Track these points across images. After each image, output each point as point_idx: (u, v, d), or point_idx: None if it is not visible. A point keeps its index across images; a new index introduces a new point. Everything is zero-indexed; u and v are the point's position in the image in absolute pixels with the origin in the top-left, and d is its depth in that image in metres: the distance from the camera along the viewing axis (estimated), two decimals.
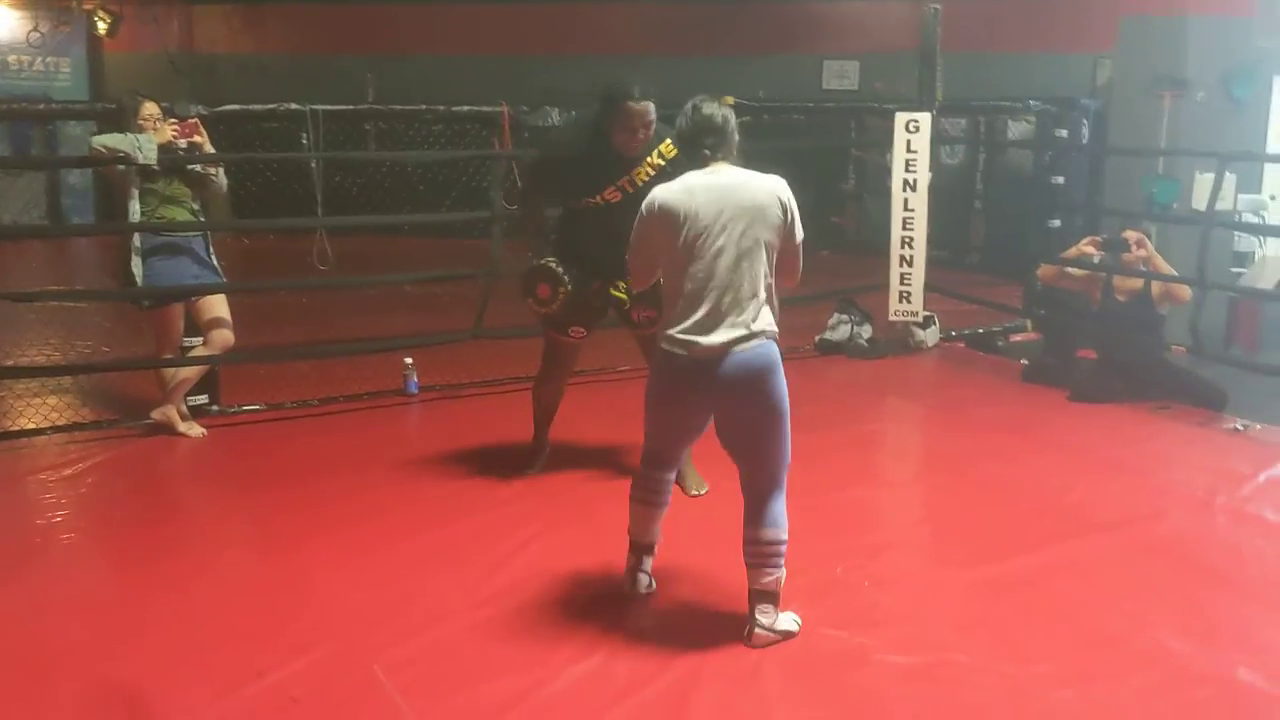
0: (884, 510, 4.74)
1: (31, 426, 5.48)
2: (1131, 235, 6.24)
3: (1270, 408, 5.87)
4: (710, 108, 3.38)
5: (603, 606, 3.58)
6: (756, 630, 3.30)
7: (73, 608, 3.64)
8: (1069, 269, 6.62)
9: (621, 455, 5.02)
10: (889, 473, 5.33)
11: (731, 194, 3.28)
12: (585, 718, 2.94)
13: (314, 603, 3.62)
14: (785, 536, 3.33)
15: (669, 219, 3.29)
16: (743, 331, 3.24)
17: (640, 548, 3.65)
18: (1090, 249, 6.49)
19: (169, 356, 5.47)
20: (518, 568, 3.88)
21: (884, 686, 3.11)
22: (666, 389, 3.39)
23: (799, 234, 3.34)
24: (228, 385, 5.98)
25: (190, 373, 5.46)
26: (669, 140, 4.25)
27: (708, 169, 3.34)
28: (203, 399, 5.75)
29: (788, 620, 3.37)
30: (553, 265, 4.42)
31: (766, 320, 3.29)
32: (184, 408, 5.51)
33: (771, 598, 3.31)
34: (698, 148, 3.36)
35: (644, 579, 3.64)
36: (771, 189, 3.31)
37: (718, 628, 3.40)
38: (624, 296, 4.51)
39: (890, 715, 2.99)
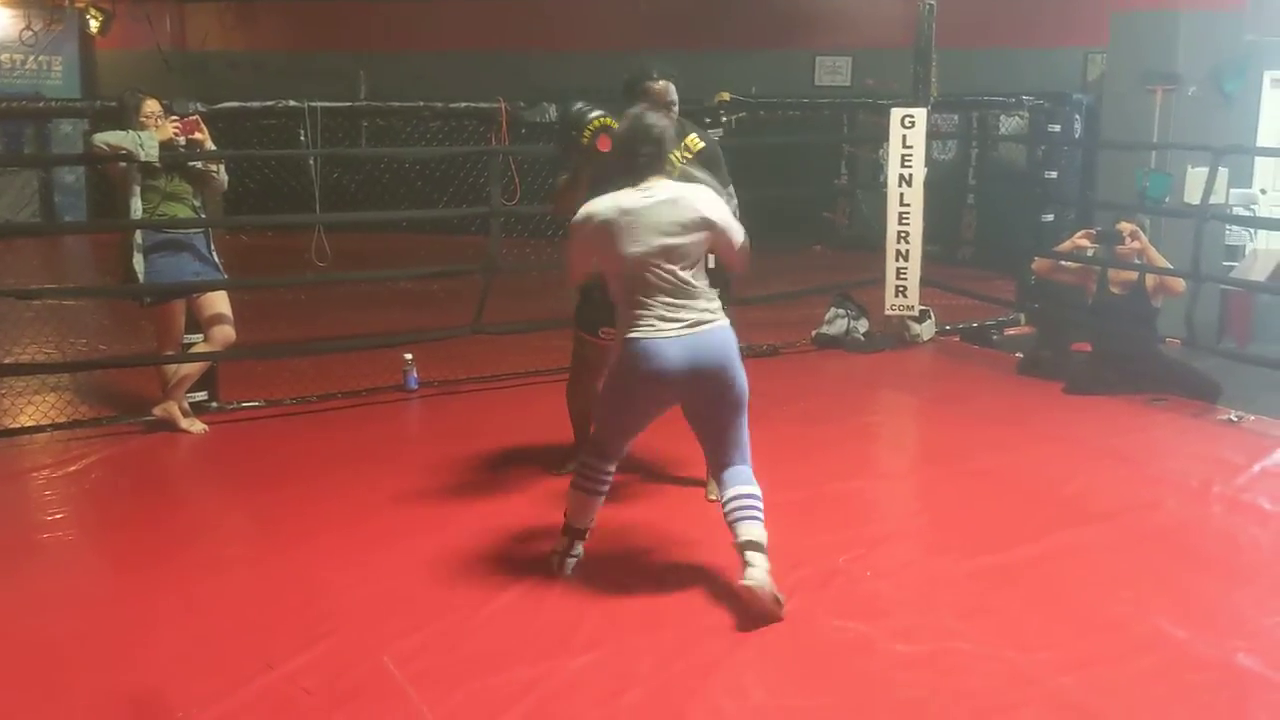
0: (883, 501, 4.78)
1: (31, 424, 5.49)
2: (1126, 227, 6.27)
3: (1262, 399, 5.93)
4: (651, 118, 3.56)
5: (609, 596, 3.61)
6: (753, 576, 3.37)
7: (79, 604, 3.65)
8: (1064, 262, 6.67)
9: None
10: (888, 464, 5.37)
11: (658, 212, 3.45)
12: (594, 706, 2.97)
13: (320, 595, 3.65)
14: (760, 492, 3.52)
15: (603, 234, 3.48)
16: (696, 317, 3.47)
17: (575, 531, 3.78)
18: (1085, 242, 6.53)
19: (170, 353, 5.49)
20: (520, 559, 3.92)
21: (889, 674, 3.15)
22: (630, 383, 3.54)
23: (736, 238, 3.60)
24: (227, 382, 6.00)
25: (191, 369, 5.48)
26: (694, 135, 4.35)
27: (640, 187, 3.48)
28: (202, 395, 5.76)
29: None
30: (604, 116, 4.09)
31: (714, 307, 3.53)
32: (185, 404, 5.52)
33: (760, 546, 3.43)
34: (634, 156, 3.50)
35: (572, 562, 3.77)
36: (695, 206, 3.49)
37: (725, 618, 3.43)
38: None
39: (896, 702, 3.02)
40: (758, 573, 3.37)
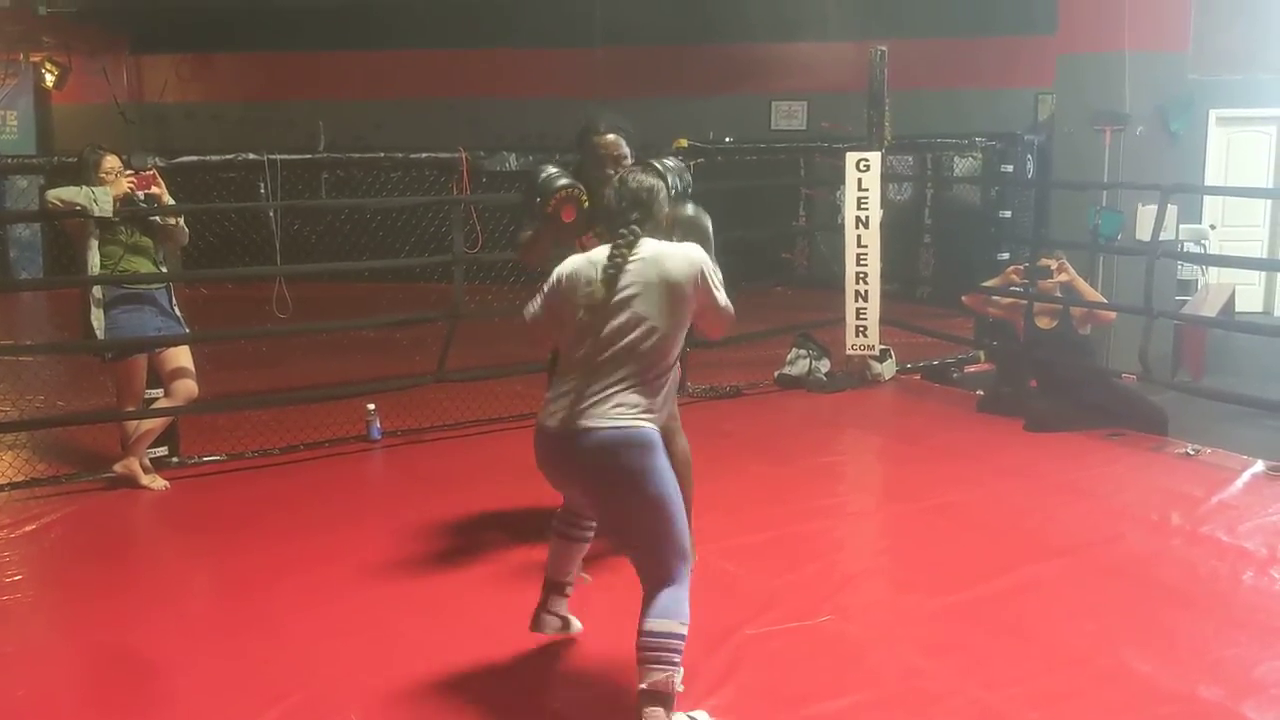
0: (848, 540, 4.80)
1: None
2: (1051, 262, 6.47)
3: (1216, 431, 6.03)
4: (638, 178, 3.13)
5: (574, 643, 3.59)
6: None
7: (39, 666, 3.59)
8: (994, 297, 6.86)
9: None
10: (852, 503, 5.39)
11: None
12: None
13: (285, 651, 3.61)
14: (683, 631, 2.92)
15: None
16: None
17: (550, 585, 3.42)
18: (1015, 277, 6.70)
19: (131, 409, 5.43)
20: (490, 607, 3.89)
21: (858, 714, 3.16)
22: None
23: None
24: (188, 436, 5.94)
25: (153, 425, 5.42)
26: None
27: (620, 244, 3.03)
28: (162, 451, 5.70)
29: None
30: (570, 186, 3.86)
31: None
32: (146, 460, 5.47)
33: (662, 700, 2.86)
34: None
35: (551, 621, 3.40)
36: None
37: (698, 669, 3.42)
38: None
39: None
40: None
